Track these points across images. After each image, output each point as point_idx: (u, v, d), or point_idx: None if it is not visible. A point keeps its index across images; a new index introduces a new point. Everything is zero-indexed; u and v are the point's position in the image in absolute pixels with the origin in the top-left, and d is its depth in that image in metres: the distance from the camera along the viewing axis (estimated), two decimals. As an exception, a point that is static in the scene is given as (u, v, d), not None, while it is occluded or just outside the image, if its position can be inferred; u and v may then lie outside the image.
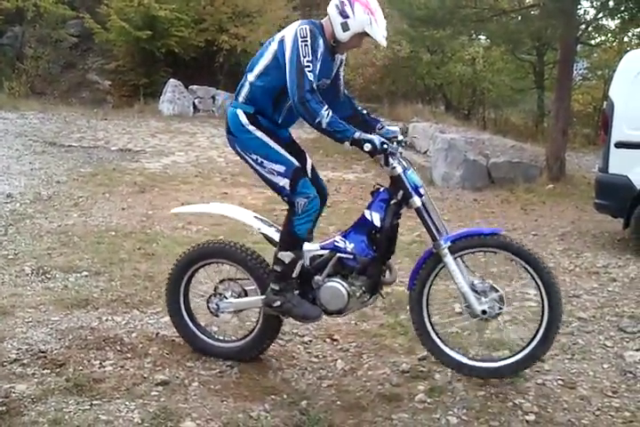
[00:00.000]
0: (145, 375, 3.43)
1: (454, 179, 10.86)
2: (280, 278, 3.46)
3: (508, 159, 10.95)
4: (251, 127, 3.43)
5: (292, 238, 3.43)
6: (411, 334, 4.03)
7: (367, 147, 3.18)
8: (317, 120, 3.18)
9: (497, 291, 3.37)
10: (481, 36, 16.68)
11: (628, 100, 6.44)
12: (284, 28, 3.50)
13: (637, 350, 3.91)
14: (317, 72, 3.28)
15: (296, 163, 3.47)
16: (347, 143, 3.23)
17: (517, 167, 10.81)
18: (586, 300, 4.86)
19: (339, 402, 3.24)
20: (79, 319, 4.23)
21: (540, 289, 3.36)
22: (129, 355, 3.69)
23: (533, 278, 3.36)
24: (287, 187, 3.41)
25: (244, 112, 3.46)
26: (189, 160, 11.45)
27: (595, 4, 11.84)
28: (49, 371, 3.44)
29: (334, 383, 3.46)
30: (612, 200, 6.47)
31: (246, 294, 3.66)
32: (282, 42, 3.33)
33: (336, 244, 3.48)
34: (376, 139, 3.21)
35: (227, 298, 3.67)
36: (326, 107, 3.21)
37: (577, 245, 6.75)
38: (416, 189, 3.39)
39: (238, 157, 3.61)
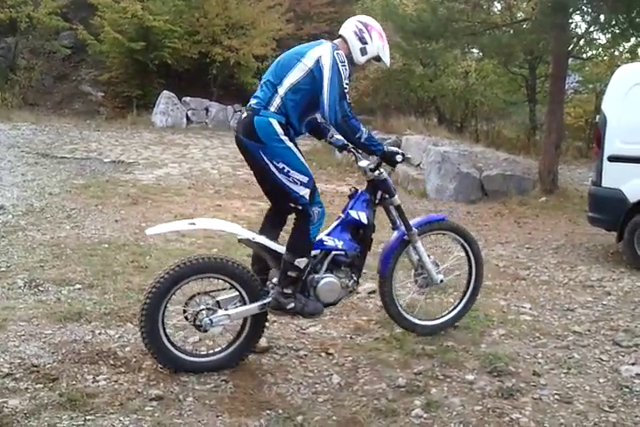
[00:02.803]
0: (139, 390, 3.39)
1: (447, 191, 10.87)
2: (293, 283, 3.68)
3: (501, 172, 10.97)
4: (284, 137, 3.57)
5: (307, 245, 3.68)
6: (406, 348, 4.05)
7: (399, 158, 3.81)
8: (358, 135, 3.62)
9: (437, 265, 4.26)
10: (473, 50, 16.79)
11: (621, 114, 6.49)
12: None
13: (633, 364, 3.91)
14: None
15: (311, 173, 3.71)
16: (375, 157, 3.82)
17: (510, 180, 10.82)
18: (581, 313, 4.87)
19: (334, 417, 3.21)
20: (72, 333, 4.19)
21: (470, 263, 4.42)
22: (122, 369, 3.65)
23: (467, 254, 4.42)
24: (307, 196, 3.63)
25: (279, 122, 3.57)
26: (182, 172, 11.42)
27: (586, 18, 11.93)
28: (42, 385, 3.40)
29: (330, 398, 3.43)
30: (606, 213, 6.49)
31: (220, 306, 3.69)
32: (318, 62, 3.54)
33: (326, 243, 3.81)
34: (400, 151, 3.84)
35: (216, 311, 3.64)
36: (363, 124, 3.64)
37: (571, 258, 6.76)
38: (394, 188, 4.03)
39: (239, 162, 3.68)
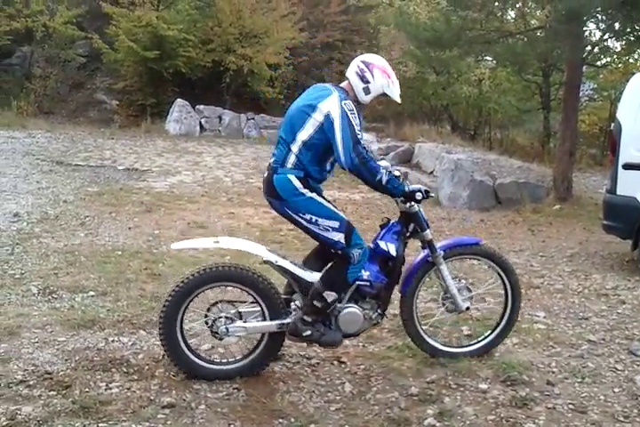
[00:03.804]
0: (151, 398, 3.40)
1: (461, 199, 10.83)
2: (316, 313, 3.69)
3: (514, 180, 10.92)
4: (304, 190, 3.63)
5: (342, 284, 3.71)
6: (419, 356, 4.03)
7: (419, 196, 3.74)
8: (378, 178, 3.59)
9: (469, 291, 4.06)
10: (487, 57, 16.76)
11: (636, 122, 6.45)
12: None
13: (649, 373, 3.87)
14: None
15: (345, 217, 3.72)
16: (398, 198, 3.79)
17: (524, 188, 10.75)
18: (595, 322, 4.83)
19: (347, 426, 3.20)
20: (85, 340, 4.21)
21: (506, 293, 4.11)
22: (135, 377, 3.67)
23: (504, 283, 4.11)
24: (342, 241, 3.65)
25: (297, 177, 3.63)
26: (196, 180, 11.46)
27: (600, 26, 11.89)
28: (55, 393, 3.41)
29: (342, 407, 3.42)
30: (621, 221, 6.45)
31: (241, 317, 3.75)
32: (328, 116, 3.57)
33: None
34: (421, 188, 3.77)
35: (234, 321, 3.70)
36: (381, 166, 3.61)
37: (585, 266, 6.72)
38: (426, 222, 3.90)
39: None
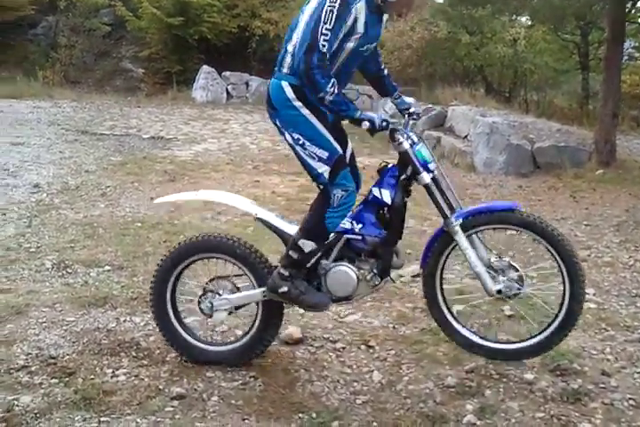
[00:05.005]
0: (160, 387, 3.10)
1: (497, 164, 10.33)
2: (292, 265, 3.22)
3: (553, 143, 10.35)
4: (297, 103, 3.09)
5: (319, 230, 3.18)
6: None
7: (365, 125, 3.01)
8: (321, 95, 2.96)
9: (516, 270, 3.19)
10: (522, 17, 16.04)
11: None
12: None
13: None
14: (336, 42, 2.99)
15: (340, 150, 3.17)
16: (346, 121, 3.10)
17: (564, 152, 10.16)
18: (651, 300, 4.39)
19: (375, 423, 2.84)
20: (95, 320, 3.94)
21: (562, 274, 3.15)
22: (145, 362, 3.38)
23: (557, 262, 3.16)
24: (326, 175, 3.12)
25: (290, 84, 3.10)
26: (221, 147, 11.14)
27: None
28: (57, 380, 3.15)
29: (370, 399, 3.06)
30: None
31: (239, 290, 3.39)
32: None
33: (342, 225, 3.23)
34: (376, 117, 3.03)
35: (220, 295, 3.36)
36: (332, 82, 2.95)
37: (635, 236, 6.21)
38: (425, 164, 3.20)
39: (279, 137, 3.29)
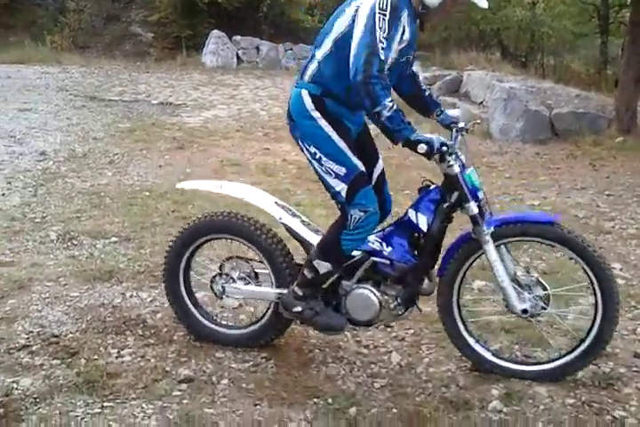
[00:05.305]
0: (167, 369, 2.94)
1: (514, 131, 10.04)
2: (307, 286, 2.98)
3: (572, 109, 10.04)
4: (315, 113, 2.84)
5: (335, 252, 2.91)
6: (478, 320, 3.42)
7: (422, 149, 2.67)
8: (378, 109, 2.65)
9: (544, 288, 2.90)
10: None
11: None
12: None
13: None
14: (392, 51, 2.72)
15: (361, 167, 2.88)
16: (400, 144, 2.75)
17: (583, 118, 9.87)
18: (682, 276, 4.17)
19: (394, 409, 2.67)
20: (101, 295, 3.79)
21: (596, 298, 2.88)
22: (151, 341, 3.22)
23: (592, 285, 2.88)
24: (343, 194, 2.86)
25: (310, 93, 2.85)
26: (231, 114, 10.89)
27: None
28: (59, 361, 3.00)
29: (389, 383, 2.89)
30: None
31: (257, 277, 3.18)
32: (357, 11, 2.74)
33: (371, 245, 2.98)
34: (435, 140, 2.71)
35: (235, 281, 3.17)
36: (391, 98, 2.68)
37: (660, 207, 5.99)
38: (475, 192, 2.88)
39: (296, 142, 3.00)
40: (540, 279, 2.91)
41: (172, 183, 6.37)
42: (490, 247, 2.85)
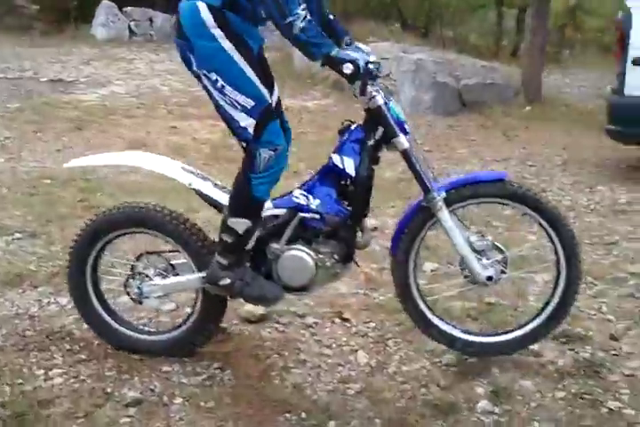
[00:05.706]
0: (108, 390, 2.53)
1: (423, 103, 10.02)
2: (230, 251, 2.62)
3: (480, 81, 10.15)
4: (216, 31, 2.40)
5: (247, 202, 2.56)
6: (438, 307, 3.17)
7: (347, 68, 2.36)
8: (289, 20, 2.30)
9: (501, 251, 2.69)
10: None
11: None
12: None
13: None
14: None
15: (269, 98, 2.51)
16: (318, 63, 2.41)
17: (491, 89, 10.05)
18: (627, 248, 4.11)
19: (377, 420, 2.39)
20: (13, 304, 3.29)
21: (557, 253, 2.74)
22: (82, 356, 2.78)
23: (552, 240, 2.73)
24: (250, 130, 2.47)
25: (208, 5, 2.39)
26: (129, 90, 10.23)
27: None
28: (-25, 391, 2.53)
29: (363, 388, 2.60)
30: (631, 126, 5.69)
31: (174, 269, 2.81)
32: None
33: (296, 200, 2.66)
34: (360, 57, 2.39)
35: (151, 278, 2.78)
36: (304, 6, 2.33)
37: (584, 177, 6.01)
38: (401, 124, 2.59)
39: (193, 80, 2.59)
40: (496, 243, 2.71)
41: (75, 169, 5.84)
42: (444, 214, 2.60)
